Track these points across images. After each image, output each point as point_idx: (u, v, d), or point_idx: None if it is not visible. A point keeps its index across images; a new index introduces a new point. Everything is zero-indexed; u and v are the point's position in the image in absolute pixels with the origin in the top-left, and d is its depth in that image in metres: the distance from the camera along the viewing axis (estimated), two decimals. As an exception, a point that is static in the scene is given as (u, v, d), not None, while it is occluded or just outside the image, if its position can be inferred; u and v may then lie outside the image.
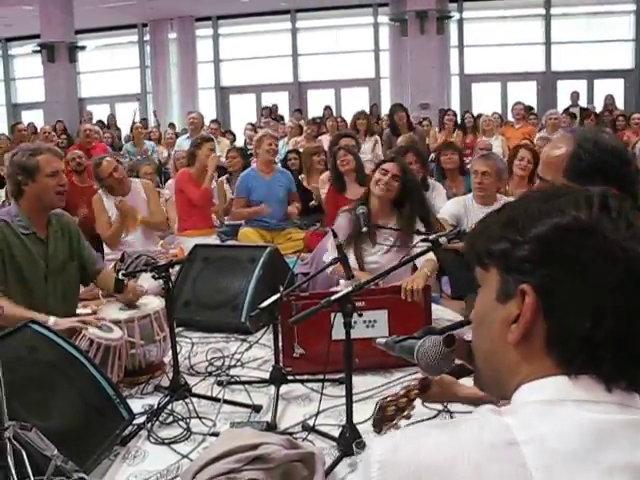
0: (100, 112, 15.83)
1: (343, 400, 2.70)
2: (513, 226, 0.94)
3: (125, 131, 13.01)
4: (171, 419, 2.95)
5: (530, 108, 11.62)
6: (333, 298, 2.49)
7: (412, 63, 14.57)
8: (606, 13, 15.59)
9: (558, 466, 0.80)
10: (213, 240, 5.87)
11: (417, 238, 3.43)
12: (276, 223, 6.09)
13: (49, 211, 3.57)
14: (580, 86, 14.35)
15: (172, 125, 13.21)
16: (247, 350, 3.84)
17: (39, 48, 15.05)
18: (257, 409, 3.05)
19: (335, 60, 16.85)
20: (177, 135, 10.86)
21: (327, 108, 12.90)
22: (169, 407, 3.01)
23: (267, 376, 3.28)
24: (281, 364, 3.27)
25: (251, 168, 6.51)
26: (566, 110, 12.09)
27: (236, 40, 17.51)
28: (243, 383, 3.33)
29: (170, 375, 3.22)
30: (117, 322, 3.31)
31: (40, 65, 15.21)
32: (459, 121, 10.40)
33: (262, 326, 4.08)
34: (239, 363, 3.65)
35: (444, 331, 1.39)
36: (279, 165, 7.17)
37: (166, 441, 2.77)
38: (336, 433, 2.70)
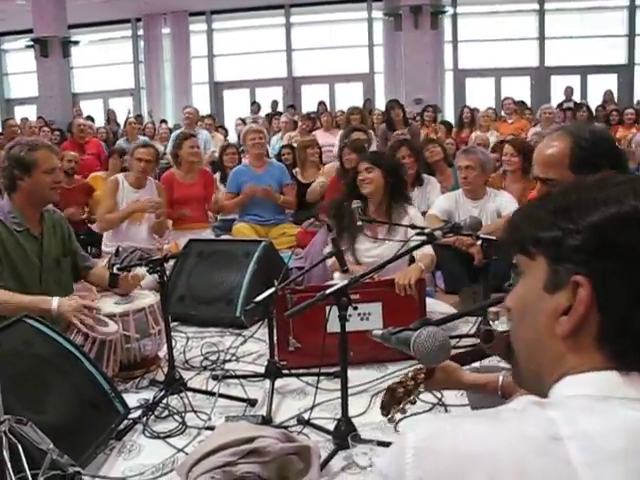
0: (94, 107, 15.80)
1: (338, 394, 2.70)
2: (566, 214, 0.90)
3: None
4: (166, 413, 2.96)
5: (522, 103, 11.62)
6: (328, 291, 2.50)
7: (406, 58, 14.55)
8: (600, 8, 15.60)
9: (603, 465, 0.77)
10: (207, 235, 5.86)
11: (412, 232, 3.43)
12: (270, 218, 6.09)
13: (42, 207, 3.57)
14: (574, 81, 14.35)
15: (164, 121, 13.15)
16: (242, 344, 3.85)
17: (32, 43, 14.98)
18: (252, 403, 3.06)
19: (329, 55, 16.79)
20: (171, 130, 10.84)
21: (321, 103, 12.87)
22: (164, 401, 3.02)
23: (262, 370, 3.29)
24: (276, 358, 3.27)
25: (243, 163, 6.51)
26: (560, 105, 12.12)
27: (230, 35, 17.45)
28: (238, 377, 3.34)
29: (165, 369, 3.22)
30: (112, 316, 3.31)
31: (33, 60, 15.14)
32: (454, 116, 10.42)
33: (257, 320, 4.08)
34: (234, 357, 3.67)
35: (439, 323, 1.39)
36: (273, 159, 7.17)
37: (161, 435, 2.78)
38: (331, 426, 2.70)
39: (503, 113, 10.65)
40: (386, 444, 2.46)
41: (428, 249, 3.73)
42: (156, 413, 2.94)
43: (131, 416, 2.87)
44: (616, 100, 13.06)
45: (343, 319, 2.54)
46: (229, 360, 3.62)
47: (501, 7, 15.83)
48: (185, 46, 17.35)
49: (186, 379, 3.24)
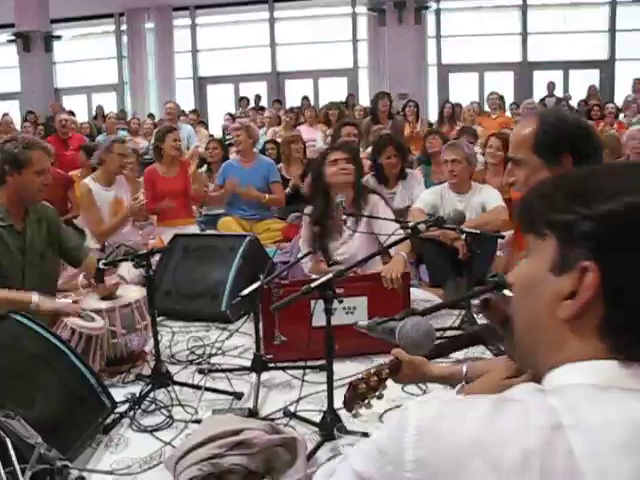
0: (77, 103, 15.70)
1: (323, 387, 2.72)
2: (581, 199, 0.89)
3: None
4: (153, 407, 2.97)
5: (501, 98, 11.66)
6: (314, 285, 2.52)
7: (390, 53, 14.61)
8: (582, 4, 15.71)
9: (604, 457, 0.77)
10: (193, 230, 5.86)
11: (395, 226, 3.46)
12: (255, 213, 6.10)
13: (26, 205, 3.57)
14: (556, 76, 14.46)
15: (151, 115, 13.11)
16: (227, 339, 3.87)
17: (14, 37, 14.87)
18: (238, 396, 3.08)
19: (313, 50, 16.80)
20: (155, 125, 10.81)
21: (305, 98, 12.88)
22: (151, 395, 3.03)
23: (248, 364, 3.31)
24: (262, 352, 3.30)
25: (232, 158, 6.52)
26: (542, 100, 12.21)
27: (214, 30, 17.41)
28: (224, 371, 3.36)
29: (152, 364, 3.23)
30: (98, 311, 3.32)
31: (15, 55, 15.03)
32: (438, 111, 10.45)
33: (243, 314, 4.10)
34: (220, 351, 3.68)
35: (424, 313, 1.42)
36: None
37: (148, 429, 2.79)
38: (317, 419, 2.73)
39: (487, 108, 10.70)
40: (371, 436, 2.48)
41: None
42: (143, 407, 2.96)
43: (118, 410, 2.88)
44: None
45: (329, 312, 2.56)
46: (215, 354, 3.63)
47: (484, 2, 15.92)
48: (169, 41, 17.28)
49: (172, 373, 3.25)
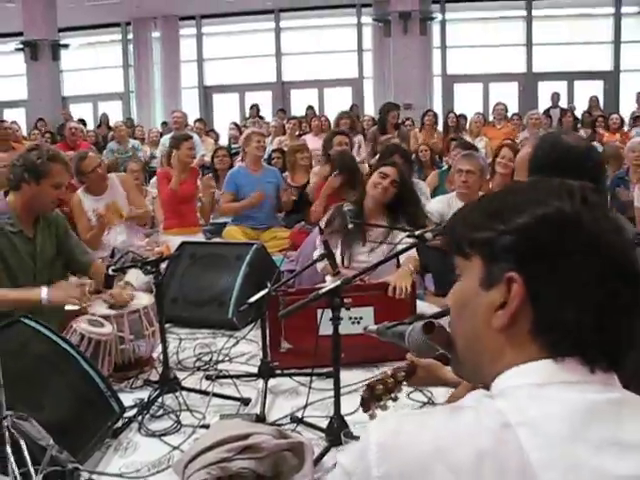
0: (83, 111, 15.77)
1: (330, 393, 2.75)
2: (497, 216, 0.97)
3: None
4: (161, 412, 3.00)
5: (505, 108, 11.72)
6: (322, 292, 2.55)
7: (395, 63, 14.66)
8: (586, 16, 15.78)
9: (551, 446, 0.84)
10: (199, 238, 5.89)
11: (402, 234, 3.49)
12: (262, 221, 6.14)
13: (38, 214, 3.60)
14: (560, 87, 14.51)
15: (165, 124, 13.11)
16: (234, 345, 3.89)
17: (22, 46, 14.95)
18: (246, 402, 3.11)
19: (318, 60, 16.87)
20: (161, 134, 10.87)
21: (310, 108, 12.93)
22: (159, 400, 3.06)
23: (255, 371, 3.34)
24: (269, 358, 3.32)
25: (239, 166, 6.56)
26: (546, 111, 12.24)
27: (220, 39, 17.50)
28: (232, 377, 3.38)
29: (159, 370, 3.25)
30: (107, 317, 3.35)
31: (23, 63, 15.11)
32: (441, 121, 10.51)
33: (250, 321, 4.13)
34: (227, 358, 3.71)
35: (435, 317, 1.45)
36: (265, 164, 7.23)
37: (157, 433, 2.82)
38: (324, 425, 2.76)
39: (492, 118, 10.75)
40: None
41: (412, 251, 3.78)
42: (151, 412, 2.98)
43: (126, 415, 2.91)
44: (602, 106, 13.22)
45: (336, 319, 2.59)
46: (222, 361, 3.66)
47: (489, 14, 15.98)
48: (175, 50, 17.37)
49: (180, 379, 3.28)
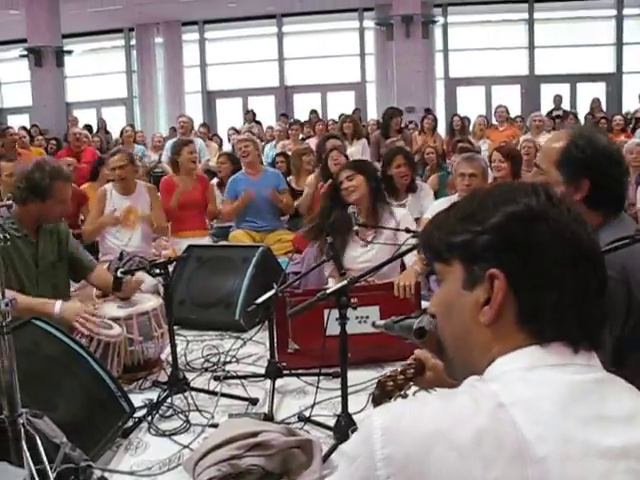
0: (87, 117, 15.83)
1: (337, 393, 2.79)
2: (471, 218, 1.04)
3: (115, 135, 12.99)
4: (171, 412, 3.03)
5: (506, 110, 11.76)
6: (329, 291, 2.59)
7: (398, 67, 14.70)
8: (588, 18, 15.82)
9: (543, 422, 0.90)
10: (206, 242, 5.92)
11: (406, 235, 3.53)
12: (266, 224, 6.17)
13: (42, 224, 3.66)
14: (563, 89, 14.52)
15: (173, 129, 13.10)
16: (241, 347, 3.93)
17: (26, 52, 15.02)
18: (254, 402, 3.14)
19: (321, 64, 16.92)
20: (165, 139, 10.91)
21: (313, 112, 12.97)
22: (168, 400, 3.09)
23: (262, 371, 3.37)
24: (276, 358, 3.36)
25: (240, 172, 6.60)
26: (549, 113, 12.26)
27: (222, 44, 17.58)
28: (239, 377, 3.42)
29: (168, 371, 3.29)
30: (116, 319, 3.38)
31: (27, 69, 15.18)
32: (445, 124, 10.56)
33: (256, 323, 4.16)
34: (234, 359, 3.74)
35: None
36: (268, 167, 7.27)
37: (167, 433, 2.85)
38: (331, 423, 2.79)
39: (494, 121, 10.78)
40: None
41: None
42: (160, 412, 3.01)
43: (136, 415, 2.95)
44: (604, 108, 13.23)
45: (343, 317, 2.63)
46: (229, 362, 3.69)
47: (491, 17, 16.03)
48: (178, 55, 17.45)
49: (189, 380, 3.31)
